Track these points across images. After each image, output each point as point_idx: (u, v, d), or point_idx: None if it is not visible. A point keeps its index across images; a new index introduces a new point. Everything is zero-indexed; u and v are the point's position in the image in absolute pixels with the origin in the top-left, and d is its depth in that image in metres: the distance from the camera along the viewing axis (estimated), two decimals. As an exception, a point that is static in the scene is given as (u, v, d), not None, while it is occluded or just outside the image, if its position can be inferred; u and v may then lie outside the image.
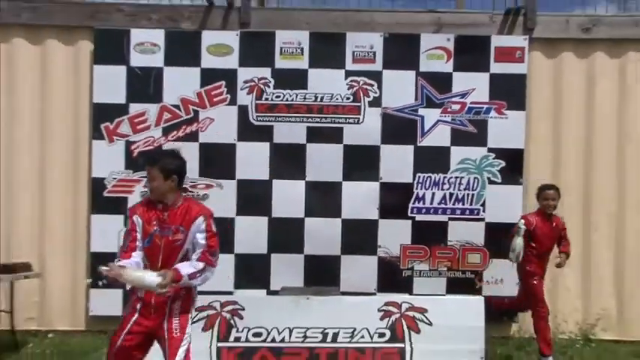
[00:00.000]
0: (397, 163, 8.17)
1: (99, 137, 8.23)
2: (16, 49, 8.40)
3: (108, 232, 8.07)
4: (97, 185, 8.22)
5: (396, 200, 8.15)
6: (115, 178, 8.21)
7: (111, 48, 8.22)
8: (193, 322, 6.50)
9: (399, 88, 8.21)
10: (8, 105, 8.39)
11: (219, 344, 6.86)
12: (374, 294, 7.87)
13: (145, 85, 8.24)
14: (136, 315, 5.01)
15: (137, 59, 8.24)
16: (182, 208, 5.02)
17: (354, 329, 6.84)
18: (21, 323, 8.11)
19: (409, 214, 8.16)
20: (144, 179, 7.93)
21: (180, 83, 8.22)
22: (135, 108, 8.23)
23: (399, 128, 8.19)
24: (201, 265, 4.89)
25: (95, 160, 8.24)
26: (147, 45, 8.26)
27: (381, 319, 6.87)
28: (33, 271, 7.96)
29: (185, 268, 4.84)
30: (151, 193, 5.07)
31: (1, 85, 8.39)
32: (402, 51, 8.23)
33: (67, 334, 8.21)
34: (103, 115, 8.22)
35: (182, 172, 5.12)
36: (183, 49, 8.25)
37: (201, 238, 4.97)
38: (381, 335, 6.83)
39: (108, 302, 8.05)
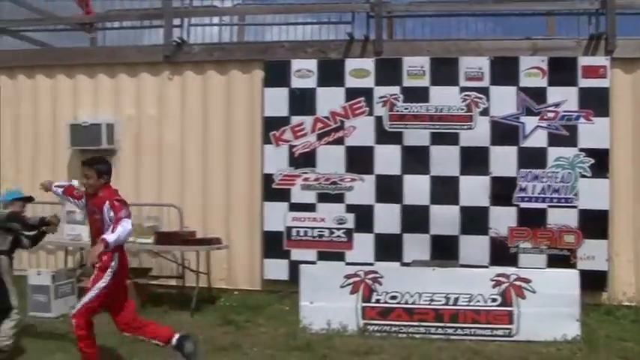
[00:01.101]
0: (504, 160, 8.03)
1: (268, 142, 8.47)
2: (209, 79, 8.82)
3: (276, 215, 8.40)
4: (267, 179, 8.48)
5: (503, 191, 8.01)
6: (280, 174, 8.44)
7: (277, 75, 8.46)
8: (342, 287, 6.77)
9: (504, 101, 8.07)
10: (204, 118, 8.82)
11: (363, 304, 6.93)
12: (486, 267, 7.77)
13: (302, 102, 8.42)
14: None
15: (296, 82, 8.44)
16: (100, 197, 5.38)
17: (471, 295, 6.77)
18: (215, 282, 8.52)
19: (514, 202, 8.01)
20: (303, 174, 8.30)
21: (330, 100, 8.35)
22: (295, 120, 8.43)
23: (505, 133, 8.05)
24: (117, 228, 5.12)
25: (266, 160, 8.49)
26: (303, 71, 8.44)
27: (493, 287, 6.78)
28: (222, 244, 8.34)
29: (108, 236, 5.10)
30: (86, 187, 5.51)
31: (200, 105, 8.84)
32: (505, 71, 8.08)
33: (247, 292, 8.54)
34: (271, 125, 8.47)
35: (109, 172, 5.61)
36: (331, 73, 8.38)
37: (111, 214, 5.24)
38: (494, 300, 6.75)
39: (277, 269, 8.40)
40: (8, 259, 6.08)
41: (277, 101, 8.45)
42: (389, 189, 8.21)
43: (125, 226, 5.20)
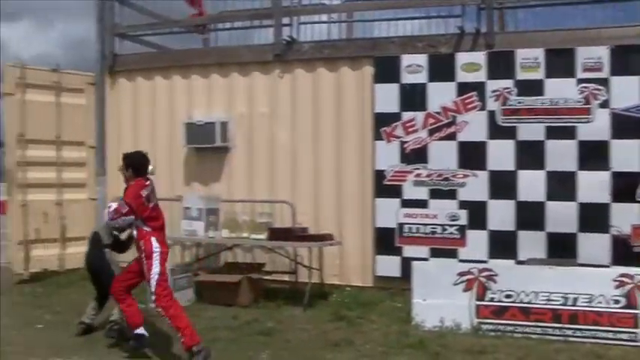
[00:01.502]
0: (625, 155, 7.77)
1: (379, 138, 8.60)
2: (319, 76, 9.07)
3: (387, 211, 8.52)
4: (379, 176, 8.61)
5: (625, 186, 7.76)
6: (392, 170, 8.55)
7: (387, 71, 8.57)
8: (455, 284, 6.89)
9: (626, 92, 7.78)
10: (315, 115, 9.08)
11: (477, 302, 6.91)
12: (607, 267, 7.52)
13: (413, 97, 8.48)
14: None
15: (406, 78, 8.51)
16: (126, 190, 5.96)
17: (592, 295, 6.58)
18: (327, 278, 8.74)
19: (638, 199, 7.74)
20: (415, 170, 8.39)
21: (441, 95, 8.36)
22: (406, 115, 8.50)
23: (627, 125, 7.76)
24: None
25: (377, 156, 8.62)
26: (414, 67, 8.50)
27: (616, 287, 6.56)
28: (335, 240, 8.57)
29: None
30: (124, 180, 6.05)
31: (311, 102, 9.10)
32: (627, 60, 7.79)
33: (359, 289, 8.67)
34: (382, 121, 8.59)
35: (134, 165, 6.00)
36: (441, 68, 8.38)
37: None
38: (616, 302, 6.53)
39: (389, 266, 8.53)
40: (111, 252, 6.75)
41: (388, 97, 8.56)
42: (503, 185, 8.13)
43: (118, 221, 5.89)
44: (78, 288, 9.10)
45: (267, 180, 9.33)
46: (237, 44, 10.11)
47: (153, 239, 5.86)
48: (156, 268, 5.80)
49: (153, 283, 5.81)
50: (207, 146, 9.51)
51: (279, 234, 8.36)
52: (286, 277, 9.05)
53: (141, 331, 6.05)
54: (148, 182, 6.08)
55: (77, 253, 10.27)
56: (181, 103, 9.91)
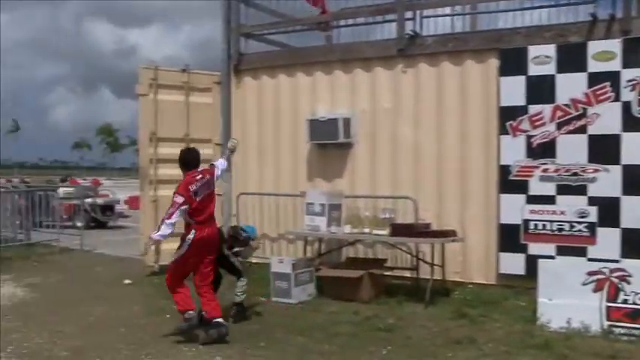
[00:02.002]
0: None
1: (505, 133, 8.54)
2: (443, 70, 9.13)
3: (512, 207, 8.45)
4: (504, 171, 8.55)
5: None
6: (518, 165, 8.47)
7: (513, 63, 8.49)
8: (584, 284, 6.83)
9: None
10: (438, 109, 9.15)
11: (608, 304, 6.75)
12: None
13: (540, 89, 8.35)
14: None
15: (533, 69, 8.40)
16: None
17: None
18: (449, 275, 8.80)
19: None
20: (542, 165, 8.27)
21: (570, 86, 8.18)
22: (533, 109, 8.39)
23: None
24: (161, 228, 6.58)
25: (502, 151, 8.56)
26: (541, 57, 8.36)
27: None
28: (457, 236, 8.60)
29: (153, 234, 6.78)
30: None
31: (434, 97, 9.18)
32: None
33: (482, 286, 8.69)
34: (507, 115, 8.52)
35: (181, 161, 6.82)
36: (571, 58, 8.20)
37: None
38: None
39: (513, 263, 8.46)
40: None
41: (514, 90, 8.48)
42: (637, 180, 7.87)
43: (163, 230, 6.48)
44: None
45: (390, 176, 9.50)
46: (359, 40, 10.35)
47: (193, 231, 6.64)
48: (181, 251, 6.68)
49: (173, 259, 6.82)
50: (330, 142, 9.82)
51: (401, 230, 8.49)
52: (407, 274, 9.16)
53: (189, 315, 6.73)
54: (199, 176, 6.76)
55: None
56: (305, 99, 10.29)
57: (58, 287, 9.54)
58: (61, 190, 16.58)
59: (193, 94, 10.89)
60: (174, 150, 10.40)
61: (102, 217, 18.24)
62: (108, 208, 19.27)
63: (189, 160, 6.86)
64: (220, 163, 7.35)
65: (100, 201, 18.98)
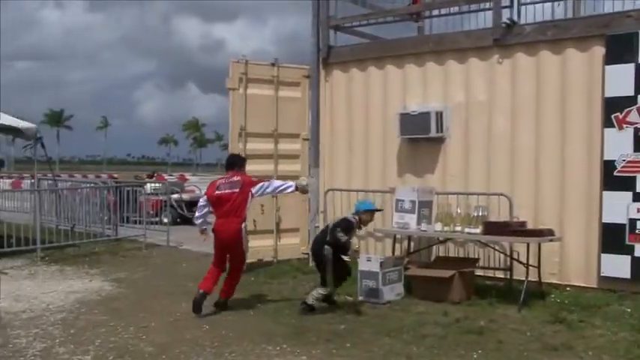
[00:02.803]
0: None
1: (610, 125, 8.35)
2: (542, 60, 9.01)
3: (617, 206, 8.25)
4: (608, 166, 8.37)
5: None
6: (624, 160, 8.27)
7: (621, 50, 8.27)
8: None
9: None
10: (537, 101, 9.04)
11: None
12: None
13: (650, 78, 8.06)
14: None
15: (645, 57, 8.13)
16: None
17: None
18: (545, 277, 8.65)
19: None
20: (655, 160, 7.90)
21: None
22: (643, 99, 8.13)
23: None
24: None
25: (607, 145, 8.39)
26: (659, 42, 8.04)
27: None
28: (555, 236, 8.45)
29: None
30: None
31: (532, 88, 9.09)
32: None
33: (581, 289, 8.53)
34: (613, 107, 8.32)
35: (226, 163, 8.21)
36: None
37: None
38: None
39: (617, 265, 8.26)
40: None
41: (621, 79, 8.27)
42: None
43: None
44: (288, 278, 9.93)
45: (484, 171, 9.46)
46: (453, 30, 10.33)
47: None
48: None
49: None
50: (421, 137, 9.87)
51: (494, 228, 8.42)
52: (500, 274, 9.11)
53: (198, 293, 7.84)
54: (228, 176, 8.03)
55: (289, 244, 11.24)
56: (395, 93, 10.37)
57: (144, 282, 9.95)
58: (148, 186, 17.21)
59: (282, 88, 11.15)
60: (263, 145, 10.90)
61: (188, 213, 18.72)
62: (194, 204, 19.59)
63: (227, 163, 8.33)
64: (272, 184, 8.23)
65: (186, 197, 19.45)
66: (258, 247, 10.70)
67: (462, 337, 6.81)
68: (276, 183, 8.27)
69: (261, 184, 8.01)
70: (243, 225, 7.83)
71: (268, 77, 11.03)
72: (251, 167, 10.57)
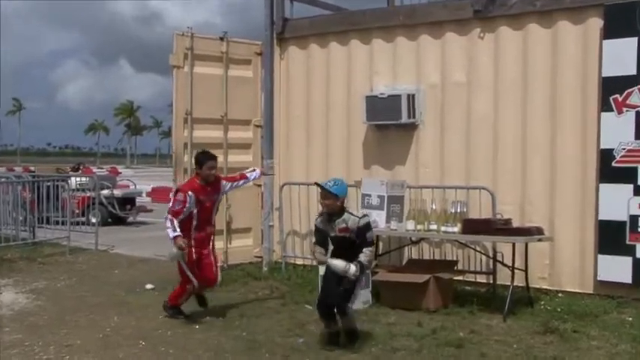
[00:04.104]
0: None
1: (608, 109, 8.31)
2: (529, 34, 8.94)
3: (616, 200, 8.24)
4: (605, 156, 8.34)
5: None
6: (623, 149, 8.25)
7: (622, 22, 8.21)
8: None
9: None
10: (523, 82, 8.99)
11: None
12: None
13: (657, 55, 8.08)
14: None
15: (649, 30, 8.11)
16: None
17: None
18: (534, 281, 8.63)
19: None
20: (661, 149, 7.91)
21: None
22: (647, 79, 8.13)
23: None
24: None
25: (604, 132, 8.35)
26: (659, 14, 8.05)
27: None
28: (544, 234, 8.40)
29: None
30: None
31: (518, 67, 9.01)
32: None
33: (574, 295, 8.52)
34: (612, 87, 8.28)
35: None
36: None
37: None
38: None
39: (616, 268, 8.25)
40: None
41: (622, 56, 8.22)
42: None
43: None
44: (239, 285, 9.75)
45: (462, 162, 9.40)
46: (427, 1, 10.27)
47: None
48: None
49: None
50: (391, 123, 9.76)
51: (475, 226, 8.35)
52: (482, 279, 9.09)
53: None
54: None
55: (240, 247, 11.02)
56: (361, 72, 10.25)
57: (68, 293, 9.66)
58: (73, 181, 16.89)
59: (232, 66, 10.97)
60: (212, 133, 10.65)
61: (120, 211, 18.47)
62: (128, 202, 19.48)
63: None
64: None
65: (118, 193, 19.16)
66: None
67: (439, 350, 6.73)
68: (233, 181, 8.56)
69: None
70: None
71: (217, 53, 10.83)
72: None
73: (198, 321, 7.89)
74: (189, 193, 7.77)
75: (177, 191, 7.93)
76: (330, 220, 6.76)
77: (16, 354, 6.76)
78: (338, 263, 6.59)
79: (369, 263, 6.84)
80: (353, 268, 6.54)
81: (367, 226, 6.71)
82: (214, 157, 8.06)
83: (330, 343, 6.83)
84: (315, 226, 6.99)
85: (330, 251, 6.83)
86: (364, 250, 6.64)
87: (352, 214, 6.79)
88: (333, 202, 6.68)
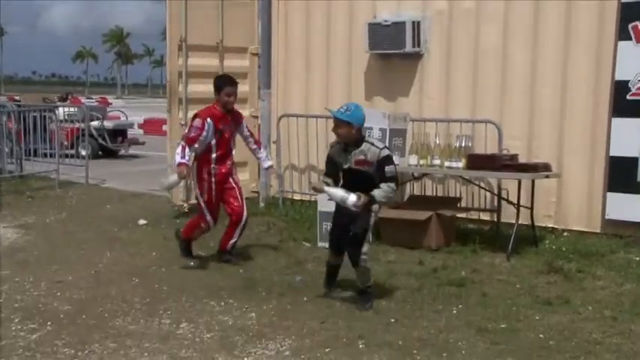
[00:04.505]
0: None
1: (625, 38, 8.22)
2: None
3: (629, 136, 8.22)
4: (620, 88, 8.29)
5: None
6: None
7: None
8: None
9: None
10: (535, 9, 8.85)
11: None
12: None
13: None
14: None
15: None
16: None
17: None
18: (539, 219, 8.69)
19: None
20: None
21: None
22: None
23: None
24: None
25: (620, 62, 8.27)
26: None
27: None
28: (552, 171, 8.40)
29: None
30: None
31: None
32: None
33: (581, 234, 8.60)
34: (630, 13, 8.17)
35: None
36: None
37: None
38: None
39: (625, 207, 8.29)
40: None
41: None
42: None
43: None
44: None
45: (469, 94, 9.38)
46: None
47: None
48: None
49: None
50: (394, 52, 9.69)
51: (480, 162, 8.35)
52: (486, 217, 9.14)
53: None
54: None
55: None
56: (363, -3, 10.07)
57: (58, 228, 9.73)
58: (61, 111, 16.65)
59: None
60: (207, 61, 10.56)
61: (111, 144, 18.47)
62: (119, 134, 19.48)
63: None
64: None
65: (109, 124, 19.16)
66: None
67: (440, 289, 6.81)
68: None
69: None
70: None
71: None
72: (193, 88, 10.40)
73: (193, 259, 7.93)
74: (208, 120, 7.32)
75: (195, 116, 7.49)
76: (345, 150, 6.21)
77: (6, 290, 6.81)
78: (336, 191, 6.09)
79: (384, 200, 6.18)
80: (353, 197, 5.95)
81: (387, 159, 6.10)
82: (234, 83, 7.55)
83: (329, 276, 6.73)
84: (328, 155, 6.42)
85: (339, 186, 6.25)
86: (381, 185, 6.05)
87: (373, 144, 6.16)
88: (346, 130, 6.08)
